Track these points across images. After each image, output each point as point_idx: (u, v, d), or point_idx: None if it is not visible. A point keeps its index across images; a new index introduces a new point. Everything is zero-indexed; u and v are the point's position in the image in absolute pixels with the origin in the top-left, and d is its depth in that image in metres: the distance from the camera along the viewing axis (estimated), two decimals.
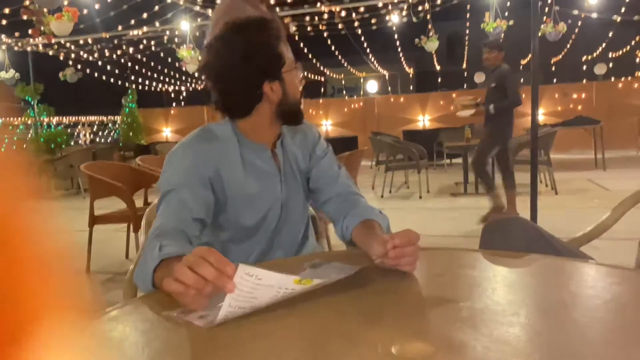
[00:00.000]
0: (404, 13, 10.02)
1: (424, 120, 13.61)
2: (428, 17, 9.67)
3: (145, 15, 9.67)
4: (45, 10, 5.40)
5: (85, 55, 12.35)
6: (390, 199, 6.58)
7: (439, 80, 17.55)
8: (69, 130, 13.23)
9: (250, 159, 1.27)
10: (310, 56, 14.60)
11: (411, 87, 19.96)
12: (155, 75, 16.26)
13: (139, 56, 13.42)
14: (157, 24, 10.36)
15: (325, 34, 11.65)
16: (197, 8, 9.61)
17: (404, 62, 17.19)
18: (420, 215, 5.45)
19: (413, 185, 7.31)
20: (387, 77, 20.30)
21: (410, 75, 20.19)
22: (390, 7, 9.78)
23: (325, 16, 10.07)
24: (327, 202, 1.36)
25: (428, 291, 0.94)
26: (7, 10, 8.37)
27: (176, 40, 11.39)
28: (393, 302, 0.88)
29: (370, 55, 15.93)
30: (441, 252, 1.27)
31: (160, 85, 17.62)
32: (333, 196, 1.36)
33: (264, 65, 1.22)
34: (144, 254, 1.00)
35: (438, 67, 16.96)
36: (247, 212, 1.26)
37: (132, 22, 10.06)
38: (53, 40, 7.42)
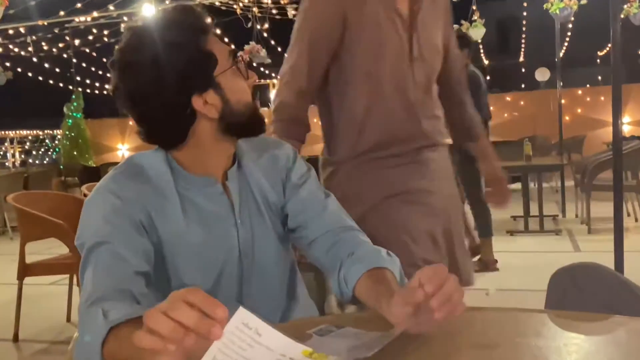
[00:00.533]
0: None
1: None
2: None
3: None
4: None
5: (16, 50, 12.57)
6: None
7: (487, 78, 17.66)
8: None
9: (190, 198, 1.26)
10: None
11: None
12: (108, 75, 16.49)
13: (87, 50, 13.65)
14: (111, 7, 10.57)
15: None
16: None
17: None
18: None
19: None
20: None
21: None
22: None
23: None
24: (313, 244, 1.34)
25: None
26: None
27: None
28: None
29: None
30: (495, 313, 1.27)
31: None
32: (320, 235, 1.34)
33: (185, 74, 1.21)
34: (82, 327, 1.00)
35: (486, 62, 17.07)
36: (194, 271, 1.25)
37: (78, 5, 10.27)
38: None
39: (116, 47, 1.25)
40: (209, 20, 1.28)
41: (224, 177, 1.31)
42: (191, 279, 1.25)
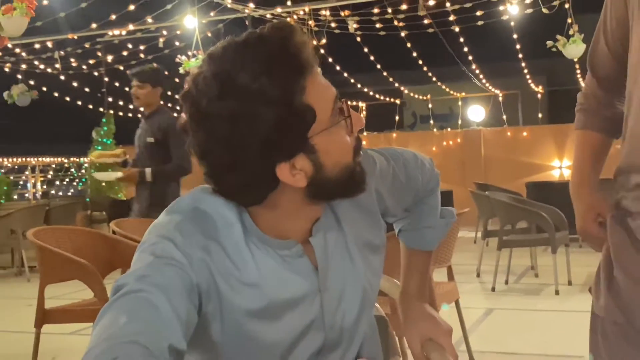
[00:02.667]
0: (529, 1, 10.08)
1: (561, 168, 13.42)
2: (567, 6, 9.68)
3: (131, 7, 10.16)
4: None
5: (42, 67, 13.01)
6: (508, 294, 6.43)
7: (581, 91, 17.37)
8: (11, 178, 13.82)
9: (264, 261, 1.22)
10: (378, 66, 14.84)
11: (540, 115, 19.81)
12: None
13: (121, 68, 14.00)
14: (148, 19, 10.85)
15: (403, 33, 11.84)
16: None
17: (528, 77, 17.17)
18: (558, 322, 5.27)
19: (545, 272, 7.13)
20: (500, 98, 20.28)
21: (539, 96, 20.10)
22: None
23: (405, 6, 10.25)
24: (400, 232, 1.67)
25: None
26: None
27: (177, 43, 11.86)
28: None
29: (474, 66, 16.01)
30: None
31: None
32: (403, 218, 1.64)
33: (272, 138, 1.12)
34: None
35: (583, 84, 16.81)
36: (261, 344, 1.23)
37: (112, 17, 10.58)
38: (8, 44, 7.89)
39: (189, 77, 1.17)
40: (311, 50, 1.16)
41: (309, 233, 1.28)
42: (256, 349, 1.23)
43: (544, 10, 9.58)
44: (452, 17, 10.75)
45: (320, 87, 1.16)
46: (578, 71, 15.26)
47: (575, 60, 10.07)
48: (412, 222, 1.62)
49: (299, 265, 1.25)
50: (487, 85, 18.84)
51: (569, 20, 9.67)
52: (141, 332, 0.99)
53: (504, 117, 19.30)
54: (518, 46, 12.98)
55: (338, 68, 14.05)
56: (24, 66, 12.75)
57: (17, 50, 11.89)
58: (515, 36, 12.34)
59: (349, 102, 1.22)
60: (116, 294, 1.07)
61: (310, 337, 1.27)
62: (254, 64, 1.11)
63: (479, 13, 10.47)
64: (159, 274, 1.09)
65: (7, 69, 12.98)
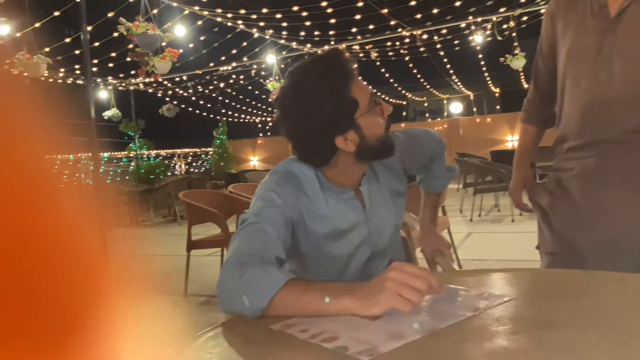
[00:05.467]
0: (488, 32, 9.79)
1: (513, 141, 13.11)
2: (514, 34, 9.38)
3: (234, 51, 10.22)
4: (150, 52, 5.89)
5: (180, 92, 13.21)
6: (480, 223, 6.35)
7: (527, 97, 16.88)
8: (166, 162, 14.14)
9: (332, 202, 1.21)
10: (391, 80, 14.64)
11: (498, 107, 19.32)
12: (243, 108, 17.02)
13: (229, 90, 14.13)
14: (245, 58, 10.90)
15: (407, 58, 11.64)
16: (282, 41, 10.00)
17: (489, 82, 16.72)
18: (514, 240, 5.19)
19: (505, 208, 7.01)
20: (471, 97, 19.82)
21: (497, 95, 19.58)
22: (473, 26, 9.60)
23: (407, 40, 10.07)
24: (420, 181, 1.63)
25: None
26: (113, 54, 9.19)
27: (263, 73, 11.89)
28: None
29: (454, 76, 15.67)
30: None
31: (248, 117, 18.42)
32: (422, 172, 1.60)
33: (331, 120, 1.12)
34: (249, 274, 0.94)
35: (526, 85, 16.29)
36: (332, 251, 1.22)
37: (223, 58, 10.66)
38: (160, 79, 8.03)
39: (277, 89, 1.21)
40: (354, 65, 1.16)
41: (359, 184, 1.26)
42: (329, 258, 1.23)
43: (498, 37, 9.34)
44: (438, 45, 10.56)
45: (360, 86, 1.16)
46: (522, 77, 14.81)
47: (520, 70, 9.79)
48: (428, 174, 1.60)
49: (353, 204, 1.25)
50: (463, 89, 18.43)
51: (515, 44, 9.43)
52: (258, 248, 1.03)
53: (474, 109, 18.88)
54: (482, 62, 12.67)
55: (365, 83, 13.90)
56: (170, 92, 12.97)
57: (165, 82, 12.08)
58: (480, 55, 12.05)
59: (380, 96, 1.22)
60: (241, 225, 1.10)
61: (362, 250, 1.27)
62: (316, 74, 1.13)
63: (455, 42, 10.27)
64: (267, 212, 1.11)
65: (159, 94, 13.22)
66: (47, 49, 7.57)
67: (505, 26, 9.43)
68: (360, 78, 1.18)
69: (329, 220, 1.20)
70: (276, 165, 1.27)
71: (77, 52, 8.40)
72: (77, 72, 10.07)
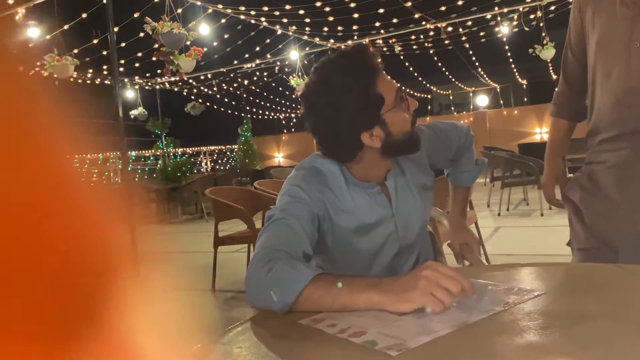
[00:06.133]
0: (515, 23, 9.60)
1: (541, 133, 12.85)
2: (541, 24, 9.18)
3: (257, 48, 10.26)
4: (175, 51, 5.96)
5: (205, 90, 13.34)
6: (508, 217, 6.25)
7: (556, 89, 16.52)
8: (192, 159, 14.32)
9: (357, 197, 1.21)
10: (415, 74, 14.50)
11: (525, 99, 18.96)
12: (267, 104, 17.11)
13: (253, 87, 14.22)
14: (268, 55, 10.94)
15: (431, 51, 11.51)
16: (305, 37, 10.00)
17: (516, 73, 16.42)
18: (544, 234, 5.10)
19: (533, 202, 6.89)
20: (498, 89, 19.51)
21: (524, 87, 19.23)
22: (499, 18, 9.43)
23: (431, 33, 9.96)
24: (448, 175, 1.61)
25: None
26: (139, 54, 9.34)
27: (286, 69, 11.91)
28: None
29: (480, 69, 15.43)
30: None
31: (272, 114, 18.51)
32: (450, 166, 1.59)
33: (356, 116, 1.12)
34: (277, 269, 0.94)
35: (554, 77, 15.95)
36: (358, 247, 1.22)
37: (246, 55, 10.73)
38: (185, 77, 8.13)
39: (305, 83, 1.19)
40: (379, 60, 1.16)
41: (384, 179, 1.26)
42: (355, 253, 1.23)
43: (526, 28, 9.15)
44: (463, 37, 10.41)
45: (386, 81, 1.16)
46: (551, 68, 14.50)
47: (548, 60, 9.60)
48: (456, 168, 1.59)
49: (378, 198, 1.24)
50: (489, 81, 18.15)
51: (543, 34, 9.23)
52: (285, 243, 1.03)
53: (501, 102, 18.57)
54: (509, 53, 12.46)
55: (389, 78, 13.81)
56: (195, 90, 13.11)
57: (190, 80, 12.22)
58: (506, 47, 11.84)
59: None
60: (268, 221, 1.11)
61: (389, 245, 1.27)
62: (342, 69, 1.13)
63: (481, 33, 10.12)
64: (294, 207, 1.12)
65: (184, 93, 13.37)
66: (75, 51, 7.73)
67: (532, 16, 9.24)
68: (384, 73, 1.18)
69: (355, 215, 1.20)
70: (301, 161, 1.27)
71: (104, 52, 8.56)
72: (105, 72, 10.27)
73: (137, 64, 9.89)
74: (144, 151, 14.20)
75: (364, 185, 1.23)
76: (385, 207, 1.25)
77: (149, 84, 12.29)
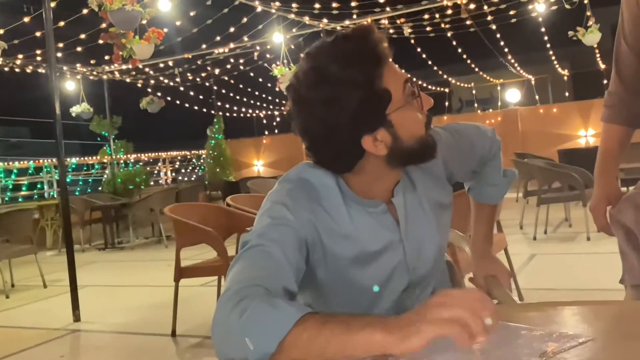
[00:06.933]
0: (553, 0, 9.74)
1: (586, 136, 12.97)
2: (585, 1, 9.32)
3: (231, 29, 10.30)
4: (129, 32, 5.96)
5: (166, 81, 13.35)
6: (546, 242, 6.28)
7: (605, 82, 16.67)
8: (148, 169, 14.29)
9: (357, 218, 1.22)
10: (429, 62, 14.61)
11: (567, 94, 19.14)
12: (244, 99, 17.13)
13: (226, 78, 14.24)
14: (245, 38, 10.98)
15: (449, 34, 11.61)
16: (292, 16, 10.05)
17: (555, 62, 16.58)
18: (590, 264, 5.13)
19: (577, 222, 6.93)
20: (532, 82, 19.68)
21: (565, 78, 19.41)
22: None
23: (449, 11, 10.05)
24: (469, 189, 1.63)
25: None
26: (82, 36, 9.33)
27: (268, 56, 11.96)
28: None
29: (510, 56, 15.58)
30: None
31: (250, 111, 18.53)
32: (472, 178, 1.60)
33: (357, 115, 1.12)
34: (252, 309, 0.93)
35: (602, 66, 16.15)
36: (356, 282, 1.22)
37: (217, 38, 10.75)
38: (140, 65, 8.12)
39: (294, 71, 1.19)
40: (385, 45, 1.15)
41: (391, 195, 1.26)
42: (354, 289, 1.23)
43: (566, 6, 9.27)
44: (489, 17, 10.52)
45: (394, 73, 1.16)
46: (597, 55, 14.67)
47: (594, 46, 9.75)
48: (479, 181, 1.59)
49: (383, 220, 1.24)
50: (521, 71, 18.32)
51: (587, 13, 9.36)
52: (262, 276, 1.02)
53: (537, 97, 18.75)
54: (545, 37, 12.58)
55: (397, 68, 13.89)
56: (152, 81, 13.12)
57: (147, 69, 12.23)
58: (542, 29, 11.98)
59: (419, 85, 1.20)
60: (243, 248, 1.10)
61: (397, 278, 1.26)
62: (342, 57, 1.12)
63: (511, 12, 10.23)
64: (276, 231, 1.11)
65: (139, 85, 13.38)
66: (0, 31, 7.71)
67: None
68: (392, 62, 1.18)
69: (353, 241, 1.20)
70: (287, 171, 1.27)
71: (37, 33, 8.53)
72: (39, 58, 10.24)
73: (79, 49, 9.87)
74: (87, 158, 14.16)
75: (365, 202, 1.23)
76: (392, 230, 1.25)
77: (95, 73, 12.29)
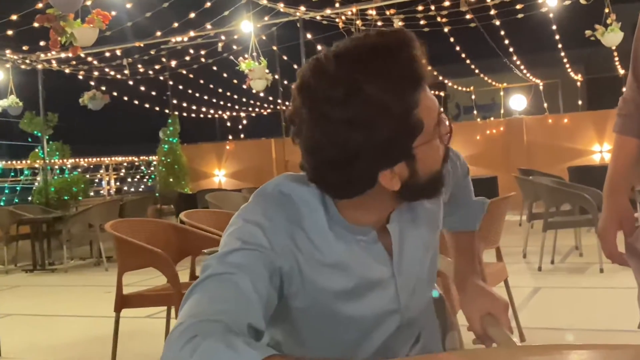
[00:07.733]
0: None
1: (602, 152, 13.15)
2: None
3: (192, 15, 10.28)
4: (69, 15, 5.91)
5: (112, 73, 13.27)
6: (553, 273, 6.33)
7: (624, 89, 16.97)
8: (87, 176, 14.14)
9: (343, 245, 1.21)
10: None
11: (580, 102, 19.43)
12: (204, 97, 17.09)
13: (184, 72, 14.20)
14: (208, 25, 10.96)
15: (446, 29, 11.74)
16: (264, 2, 10.08)
17: (567, 65, 16.84)
18: (603, 299, 5.17)
19: (589, 252, 6.99)
20: (541, 87, 19.94)
21: (578, 84, 19.71)
22: None
23: (447, 3, 10.16)
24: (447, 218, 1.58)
25: None
26: (14, 17, 9.25)
27: (235, 47, 11.96)
28: None
29: (515, 57, 15.78)
30: None
31: (211, 111, 18.48)
32: (454, 209, 1.58)
33: (383, 146, 1.10)
34: (204, 349, 0.92)
35: (621, 71, 16.43)
36: (340, 320, 1.23)
37: (175, 24, 10.72)
38: (81, 53, 8.04)
39: (306, 69, 1.13)
40: (425, 61, 1.13)
41: (386, 221, 1.26)
42: (337, 329, 1.23)
43: (582, 1, 9.38)
44: (492, 12, 10.63)
45: (429, 101, 1.14)
46: (616, 59, 14.92)
47: (613, 48, 9.88)
48: (451, 207, 1.55)
49: (373, 250, 1.24)
50: (528, 75, 18.55)
51: (607, 10, 9.47)
52: (223, 311, 1.01)
53: (545, 105, 18.98)
54: (557, 36, 12.76)
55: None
56: (96, 73, 13.02)
57: (89, 58, 12.14)
58: (554, 27, 12.14)
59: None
60: (203, 275, 1.09)
61: (386, 318, 1.27)
62: (383, 77, 1.09)
63: (518, 6, 10.33)
64: (244, 257, 1.10)
65: (80, 76, 13.27)
66: None
67: None
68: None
69: (339, 272, 1.20)
70: (265, 184, 1.25)
71: None
72: None
73: (9, 32, 9.78)
74: (14, 162, 13.95)
75: (353, 229, 1.22)
76: (383, 263, 1.25)
77: (27, 61, 12.16)
